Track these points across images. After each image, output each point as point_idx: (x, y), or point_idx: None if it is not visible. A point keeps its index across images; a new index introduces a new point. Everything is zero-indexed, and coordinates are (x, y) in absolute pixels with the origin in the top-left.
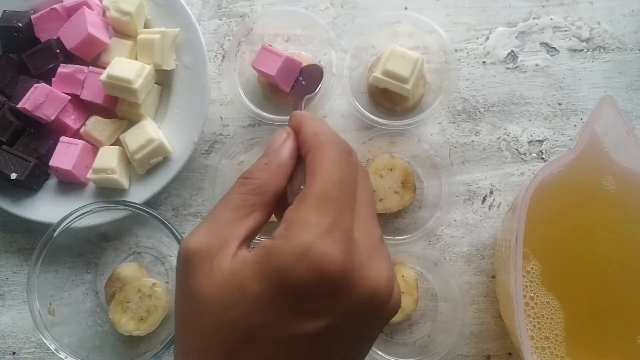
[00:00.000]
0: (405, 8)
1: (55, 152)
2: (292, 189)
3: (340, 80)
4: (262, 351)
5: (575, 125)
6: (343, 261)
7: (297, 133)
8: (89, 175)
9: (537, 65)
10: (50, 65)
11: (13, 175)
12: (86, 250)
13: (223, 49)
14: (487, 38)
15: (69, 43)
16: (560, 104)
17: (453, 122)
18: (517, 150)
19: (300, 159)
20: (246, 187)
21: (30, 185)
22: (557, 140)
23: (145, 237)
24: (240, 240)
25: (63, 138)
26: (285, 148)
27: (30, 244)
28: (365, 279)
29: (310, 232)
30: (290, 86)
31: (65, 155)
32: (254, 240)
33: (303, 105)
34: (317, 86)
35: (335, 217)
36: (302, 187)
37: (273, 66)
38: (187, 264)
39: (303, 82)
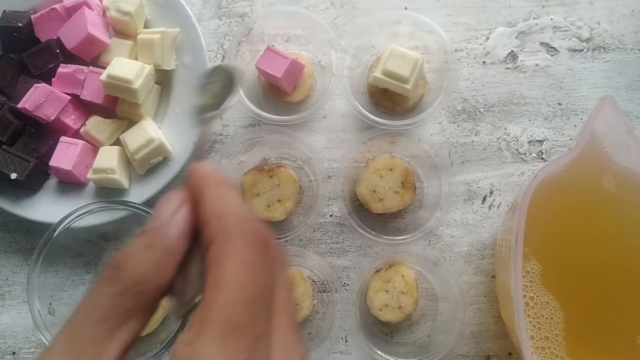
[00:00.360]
0: (405, 8)
1: (55, 152)
2: (185, 285)
3: (340, 80)
4: None
5: (575, 125)
6: None
7: (195, 201)
8: (89, 175)
9: (537, 65)
10: (50, 65)
11: (13, 175)
12: (86, 250)
13: (223, 49)
14: (487, 38)
15: (69, 43)
16: (560, 104)
17: (453, 122)
18: (517, 150)
19: (197, 236)
20: (118, 286)
21: (30, 185)
22: (557, 140)
23: None
24: None
25: (63, 138)
26: (175, 225)
27: (30, 244)
28: None
29: None
30: (292, 88)
31: (65, 155)
32: None
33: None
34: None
35: (248, 354)
36: (199, 293)
37: (279, 68)
38: None
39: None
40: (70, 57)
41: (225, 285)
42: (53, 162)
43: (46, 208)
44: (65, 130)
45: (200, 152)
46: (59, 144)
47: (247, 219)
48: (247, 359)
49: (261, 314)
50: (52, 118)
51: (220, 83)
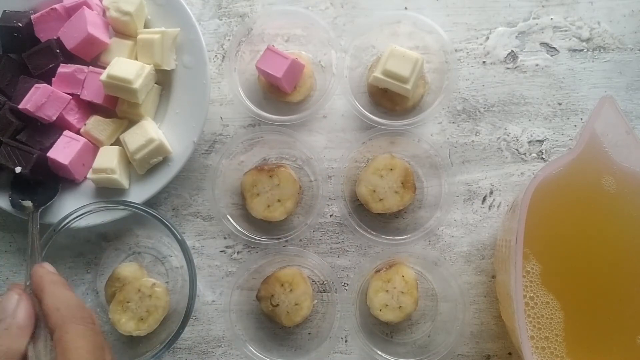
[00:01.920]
0: (405, 8)
1: (56, 144)
2: (37, 353)
3: (340, 80)
4: None
5: (575, 125)
6: None
7: (38, 296)
8: (89, 175)
9: (537, 65)
10: (50, 65)
11: (18, 169)
12: (86, 250)
13: (223, 49)
14: (487, 38)
15: (69, 43)
16: (560, 104)
17: (453, 122)
18: (517, 150)
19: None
20: None
21: (36, 176)
22: (557, 140)
23: (145, 237)
24: None
25: (67, 132)
26: (20, 311)
27: None
28: None
29: None
30: (292, 88)
31: (65, 149)
32: None
33: (36, 218)
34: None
35: None
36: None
37: (279, 68)
38: None
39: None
40: (70, 57)
41: (69, 351)
42: (51, 154)
43: (46, 208)
44: (67, 129)
45: (34, 249)
46: (62, 137)
47: (77, 307)
48: None
49: None
50: (54, 118)
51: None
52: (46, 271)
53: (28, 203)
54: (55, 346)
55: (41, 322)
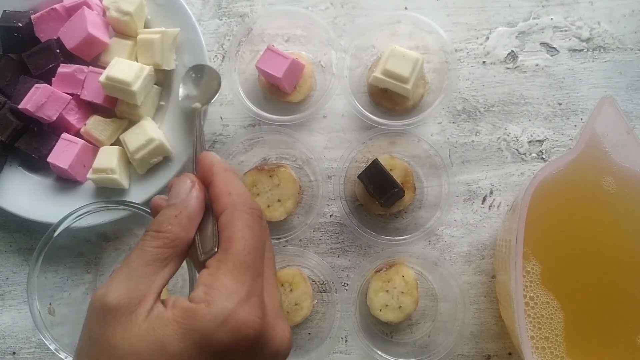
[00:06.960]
0: (405, 8)
1: (54, 148)
2: (203, 239)
3: (340, 80)
4: None
5: (575, 125)
6: (260, 326)
7: (206, 182)
8: (89, 175)
9: (537, 65)
10: (50, 65)
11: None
12: (86, 250)
13: (223, 49)
14: (487, 38)
15: (69, 43)
16: (560, 104)
17: (453, 122)
18: (517, 150)
19: (208, 207)
20: (160, 241)
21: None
22: (557, 140)
23: None
24: (156, 295)
25: (64, 135)
26: (193, 199)
27: (30, 244)
28: (274, 338)
29: (231, 299)
30: (292, 88)
31: (63, 153)
32: None
33: (202, 114)
34: (215, 93)
35: (251, 283)
36: (214, 246)
37: (279, 68)
38: (105, 316)
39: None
40: (70, 57)
41: (235, 239)
42: (51, 159)
43: (46, 208)
44: (67, 129)
45: (199, 141)
46: (60, 140)
47: (248, 197)
48: (250, 287)
49: (259, 261)
50: (54, 118)
51: (205, 79)
52: (217, 158)
53: (197, 105)
54: (221, 230)
55: (210, 211)
